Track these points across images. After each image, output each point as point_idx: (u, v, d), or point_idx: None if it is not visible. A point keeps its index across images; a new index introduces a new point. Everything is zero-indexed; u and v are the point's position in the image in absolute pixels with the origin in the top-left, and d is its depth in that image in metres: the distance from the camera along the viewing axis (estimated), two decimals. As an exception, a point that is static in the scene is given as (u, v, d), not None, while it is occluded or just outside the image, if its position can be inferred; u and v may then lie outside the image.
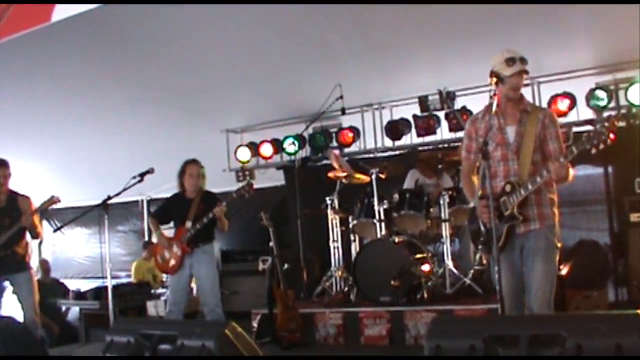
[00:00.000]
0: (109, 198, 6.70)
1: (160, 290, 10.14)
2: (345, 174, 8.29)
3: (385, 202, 8.06)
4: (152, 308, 9.53)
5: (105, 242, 6.96)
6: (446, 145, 9.34)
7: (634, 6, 7.76)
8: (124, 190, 6.74)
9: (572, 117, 8.52)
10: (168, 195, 8.15)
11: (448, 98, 8.92)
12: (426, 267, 7.68)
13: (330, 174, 8.40)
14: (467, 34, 8.60)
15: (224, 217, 7.27)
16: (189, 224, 7.36)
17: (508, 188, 4.83)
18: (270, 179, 10.63)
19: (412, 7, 8.20)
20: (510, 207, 4.80)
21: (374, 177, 7.94)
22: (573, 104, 8.46)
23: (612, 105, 8.33)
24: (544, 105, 8.62)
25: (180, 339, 4.33)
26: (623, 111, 4.50)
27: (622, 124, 4.52)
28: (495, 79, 4.93)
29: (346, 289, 8.26)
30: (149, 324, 4.93)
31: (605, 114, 8.13)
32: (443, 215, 7.72)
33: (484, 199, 4.99)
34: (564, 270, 8.15)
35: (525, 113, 4.97)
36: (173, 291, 7.53)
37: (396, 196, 8.04)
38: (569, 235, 8.33)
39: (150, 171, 6.93)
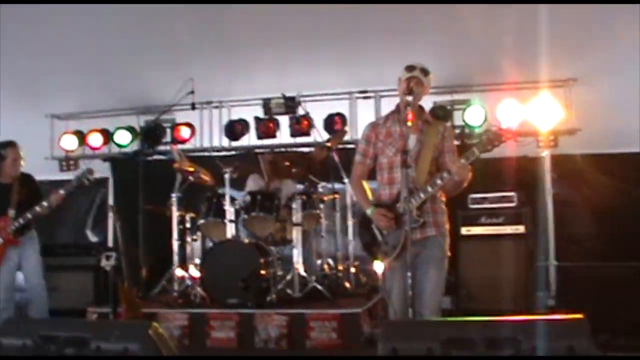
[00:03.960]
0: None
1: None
2: (192, 170, 8.09)
3: (236, 202, 7.98)
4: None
5: None
6: (283, 149, 9.44)
7: (474, 31, 8.32)
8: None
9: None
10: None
11: (294, 103, 9.01)
12: (274, 270, 7.69)
13: (177, 169, 8.15)
14: (312, 41, 8.74)
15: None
16: (11, 212, 6.89)
17: (404, 193, 4.97)
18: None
19: (261, 8, 8.19)
20: (408, 211, 4.93)
21: (226, 176, 7.80)
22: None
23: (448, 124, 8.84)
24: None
25: (95, 341, 4.03)
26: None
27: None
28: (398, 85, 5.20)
29: (189, 289, 8.02)
30: (50, 324, 4.51)
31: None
32: (295, 219, 7.77)
33: (381, 207, 5.12)
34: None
35: (427, 123, 5.19)
36: (5, 288, 6.95)
37: (247, 197, 7.98)
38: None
39: None
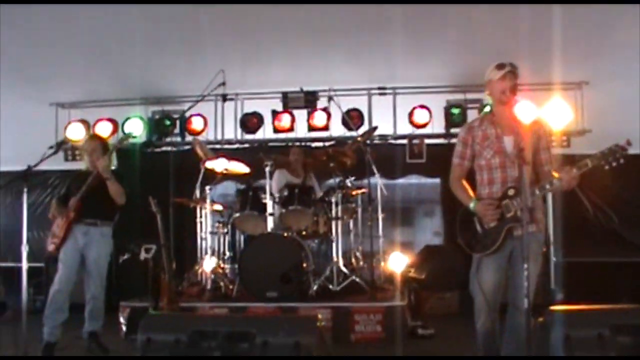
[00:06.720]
0: (30, 168, 5.87)
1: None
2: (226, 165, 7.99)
3: (276, 195, 7.95)
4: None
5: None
6: (301, 143, 9.43)
7: (489, 31, 8.49)
8: (42, 160, 5.97)
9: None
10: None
11: (313, 97, 9.02)
12: (313, 264, 7.71)
13: (208, 164, 8.03)
14: (328, 37, 8.70)
15: (108, 174, 6.58)
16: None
17: (511, 192, 4.99)
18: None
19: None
20: (512, 209, 5.03)
21: (267, 169, 7.74)
22: (430, 116, 9.03)
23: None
24: (403, 115, 9.14)
25: (261, 335, 3.99)
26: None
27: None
28: (488, 88, 5.19)
29: (220, 282, 7.91)
30: (203, 320, 4.42)
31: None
32: (334, 213, 7.80)
33: (487, 200, 5.19)
34: (422, 274, 8.68)
35: (520, 123, 5.26)
36: (65, 266, 6.63)
37: (285, 190, 7.94)
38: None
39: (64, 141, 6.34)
